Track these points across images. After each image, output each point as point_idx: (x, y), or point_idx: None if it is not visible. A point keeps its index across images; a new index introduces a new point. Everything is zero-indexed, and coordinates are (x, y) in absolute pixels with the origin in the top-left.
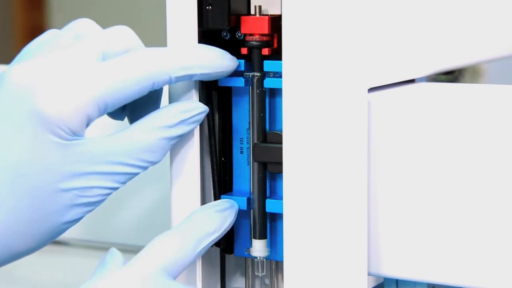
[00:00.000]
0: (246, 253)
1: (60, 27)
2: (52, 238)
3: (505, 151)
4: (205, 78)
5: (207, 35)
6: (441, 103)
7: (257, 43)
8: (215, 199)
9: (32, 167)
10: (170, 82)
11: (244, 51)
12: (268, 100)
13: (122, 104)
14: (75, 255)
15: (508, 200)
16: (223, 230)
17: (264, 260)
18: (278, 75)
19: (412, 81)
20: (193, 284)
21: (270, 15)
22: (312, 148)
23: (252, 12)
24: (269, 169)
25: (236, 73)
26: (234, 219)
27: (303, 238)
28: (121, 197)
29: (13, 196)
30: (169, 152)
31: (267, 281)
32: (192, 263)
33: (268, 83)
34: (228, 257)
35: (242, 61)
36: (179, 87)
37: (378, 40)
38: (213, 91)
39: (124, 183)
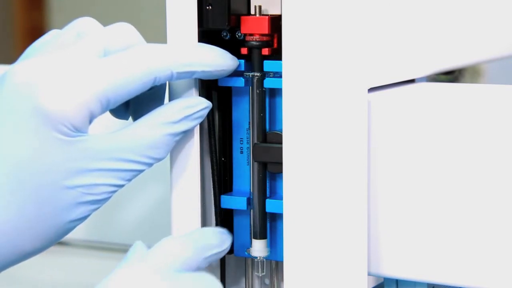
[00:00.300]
0: (246, 253)
1: (60, 27)
2: (59, 238)
3: (505, 151)
4: (205, 77)
5: (207, 35)
6: (441, 103)
7: (257, 43)
8: (215, 199)
9: (36, 165)
10: (171, 78)
11: (244, 51)
12: (268, 100)
13: (124, 100)
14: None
15: (508, 200)
16: (224, 248)
17: (264, 260)
18: (278, 75)
19: (412, 81)
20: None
21: (270, 15)
22: (312, 148)
23: (252, 12)
24: (269, 169)
25: (236, 73)
26: (229, 247)
27: (303, 238)
28: (122, 197)
29: (18, 195)
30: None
31: (267, 281)
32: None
33: (268, 83)
34: (228, 257)
35: (242, 61)
36: (179, 87)
37: (378, 40)
38: (213, 91)
39: (129, 180)
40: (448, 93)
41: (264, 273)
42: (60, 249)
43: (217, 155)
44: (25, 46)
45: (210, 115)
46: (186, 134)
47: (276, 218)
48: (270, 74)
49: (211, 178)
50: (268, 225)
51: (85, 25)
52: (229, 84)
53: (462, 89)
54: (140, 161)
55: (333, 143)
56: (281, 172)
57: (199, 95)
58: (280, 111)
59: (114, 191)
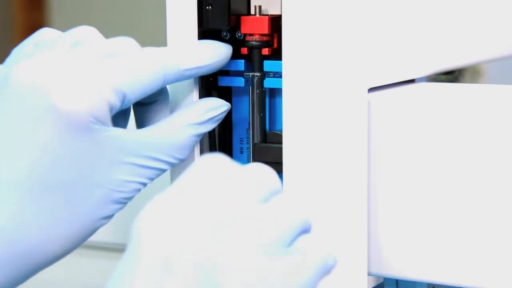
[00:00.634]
0: None
1: (60, 27)
2: (87, 237)
3: (505, 151)
4: (208, 71)
5: (207, 35)
6: (441, 103)
7: (257, 43)
8: None
9: (61, 163)
10: (179, 75)
11: (244, 51)
12: (268, 100)
13: (138, 98)
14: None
15: (508, 200)
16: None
17: None
18: (278, 75)
19: (412, 81)
20: None
21: (270, 15)
22: (312, 148)
23: (252, 12)
24: None
25: (236, 73)
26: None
27: None
28: None
29: (48, 196)
30: None
31: None
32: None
33: (268, 83)
34: None
35: (242, 61)
36: (179, 87)
37: (378, 40)
38: (213, 91)
39: (152, 179)
40: (448, 93)
41: None
42: None
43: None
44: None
45: None
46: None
47: None
48: (270, 74)
49: None
50: None
51: (84, 33)
52: (229, 84)
53: (462, 89)
54: (166, 161)
55: (333, 143)
56: (281, 172)
57: (199, 95)
58: (280, 111)
59: (139, 190)
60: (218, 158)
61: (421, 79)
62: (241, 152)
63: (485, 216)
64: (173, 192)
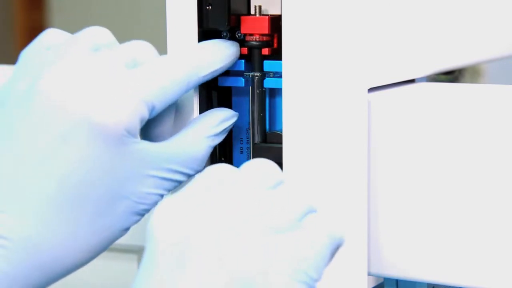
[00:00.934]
0: None
1: (60, 27)
2: (106, 248)
3: (505, 151)
4: (222, 71)
5: (207, 35)
6: (441, 103)
7: (257, 43)
8: None
9: (93, 176)
10: (198, 81)
11: (244, 51)
12: (268, 100)
13: (164, 107)
14: None
15: (508, 200)
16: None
17: None
18: (278, 75)
19: (412, 81)
20: None
21: (270, 15)
22: (312, 148)
23: (252, 12)
24: None
25: (236, 73)
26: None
27: None
28: None
29: (76, 208)
30: None
31: None
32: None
33: (268, 83)
34: None
35: (242, 61)
36: None
37: (378, 40)
38: (213, 91)
39: (169, 191)
40: (448, 93)
41: None
42: None
43: (217, 155)
44: (25, 46)
45: None
46: None
47: None
48: (270, 74)
49: None
50: None
51: (100, 37)
52: (229, 84)
53: (462, 89)
54: (185, 173)
55: (333, 143)
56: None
57: (199, 96)
58: (280, 111)
59: (157, 202)
60: (225, 167)
61: (421, 79)
62: (241, 152)
63: (485, 216)
64: (185, 194)
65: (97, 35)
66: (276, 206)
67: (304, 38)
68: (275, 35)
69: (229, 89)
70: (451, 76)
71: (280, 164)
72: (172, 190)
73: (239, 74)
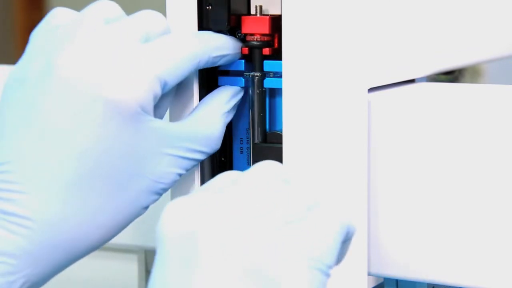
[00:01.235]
0: None
1: None
2: (125, 227)
3: (505, 151)
4: (228, 61)
5: None
6: (441, 103)
7: (258, 43)
8: None
9: (109, 153)
10: (208, 62)
11: (244, 51)
12: (268, 100)
13: (175, 83)
14: None
15: (508, 200)
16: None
17: None
18: (278, 75)
19: (412, 81)
20: None
21: (271, 15)
22: (312, 148)
23: (253, 12)
24: None
25: (236, 73)
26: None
27: None
28: None
29: (95, 187)
30: None
31: None
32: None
33: (268, 83)
34: None
35: (242, 61)
36: (179, 87)
37: (378, 40)
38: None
39: (187, 170)
40: (448, 93)
41: None
42: None
43: (217, 155)
44: (25, 46)
45: None
46: None
47: None
48: (270, 74)
49: (211, 178)
50: None
51: (108, 11)
52: (229, 84)
53: (462, 89)
54: (203, 151)
55: (333, 143)
56: None
57: (199, 96)
58: (280, 111)
59: (175, 181)
60: (235, 172)
61: (421, 79)
62: (241, 152)
63: (485, 216)
64: (196, 194)
65: (105, 9)
66: (285, 199)
67: (304, 38)
68: (276, 35)
69: None
70: (451, 76)
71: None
72: (190, 169)
73: (239, 74)
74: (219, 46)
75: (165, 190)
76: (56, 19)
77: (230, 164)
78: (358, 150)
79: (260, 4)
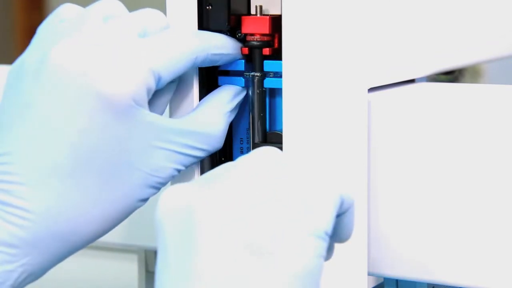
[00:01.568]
0: None
1: None
2: (123, 219)
3: (505, 151)
4: (228, 61)
5: None
6: (441, 103)
7: (258, 43)
8: None
9: (102, 145)
10: (206, 59)
11: (244, 51)
12: (268, 100)
13: (171, 79)
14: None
15: (508, 200)
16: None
17: None
18: (278, 75)
19: (412, 81)
20: None
21: (271, 15)
22: (312, 148)
23: (253, 12)
24: None
25: (236, 73)
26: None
27: None
28: None
29: (89, 178)
30: None
31: None
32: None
33: (268, 83)
34: None
35: (242, 61)
36: (180, 88)
37: (378, 40)
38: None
39: (187, 167)
40: (448, 93)
41: None
42: None
43: (217, 155)
44: (25, 46)
45: None
46: None
47: None
48: (270, 74)
49: None
50: None
51: (111, 8)
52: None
53: (462, 89)
54: (203, 149)
55: (333, 143)
56: None
57: (199, 95)
58: (280, 111)
59: (173, 176)
60: (233, 162)
61: (421, 79)
62: (241, 152)
63: (485, 216)
64: (193, 181)
65: (109, 6)
66: (284, 184)
67: (304, 38)
68: (276, 35)
69: None
70: (451, 76)
71: None
72: (189, 165)
73: (239, 74)
74: (218, 45)
75: (162, 184)
76: (62, 14)
77: None
78: (358, 150)
79: (260, 4)
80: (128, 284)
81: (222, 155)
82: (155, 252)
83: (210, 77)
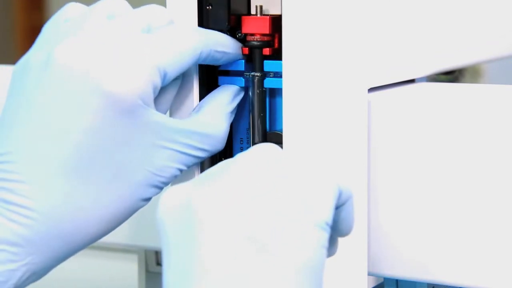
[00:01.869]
0: None
1: None
2: (127, 218)
3: (505, 151)
4: (230, 60)
5: None
6: (441, 103)
7: (258, 43)
8: None
9: (107, 144)
10: (210, 56)
11: (244, 51)
12: (268, 100)
13: (176, 75)
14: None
15: (508, 200)
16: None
17: None
18: (278, 75)
19: (412, 81)
20: None
21: (271, 15)
22: (312, 148)
23: (253, 12)
24: None
25: (236, 73)
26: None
27: None
28: None
29: (94, 177)
30: None
31: None
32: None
33: (268, 83)
34: None
35: (242, 61)
36: (180, 87)
37: (378, 40)
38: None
39: (189, 167)
40: (448, 93)
41: None
42: None
43: (217, 155)
44: (25, 46)
45: None
46: None
47: None
48: (270, 74)
49: None
50: None
51: (115, 6)
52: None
53: (462, 89)
54: (205, 149)
55: (333, 143)
56: None
57: (199, 95)
58: (280, 111)
59: (176, 176)
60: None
61: (421, 79)
62: None
63: (485, 216)
64: (192, 180)
65: (113, 5)
66: (281, 172)
67: (304, 38)
68: (276, 35)
69: None
70: (451, 76)
71: None
72: (191, 165)
73: (239, 74)
74: (221, 42)
75: (165, 184)
76: (67, 14)
77: None
78: (358, 150)
79: (260, 4)
80: (128, 284)
81: (223, 155)
82: (155, 252)
83: (210, 77)
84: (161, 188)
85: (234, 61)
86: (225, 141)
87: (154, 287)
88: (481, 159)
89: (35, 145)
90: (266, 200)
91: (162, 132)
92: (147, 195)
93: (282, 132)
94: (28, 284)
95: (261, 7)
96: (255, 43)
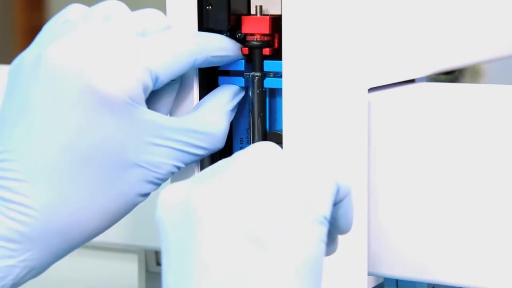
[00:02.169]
0: None
1: None
2: (125, 214)
3: (505, 151)
4: (228, 62)
5: None
6: (441, 103)
7: (258, 43)
8: None
9: (97, 141)
10: (206, 61)
11: (244, 51)
12: (268, 100)
13: (168, 80)
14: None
15: (508, 200)
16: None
17: None
18: (278, 75)
19: (412, 81)
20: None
21: (271, 15)
22: (312, 148)
23: (253, 12)
24: None
25: (236, 73)
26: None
27: None
28: None
29: (88, 174)
30: None
31: None
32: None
33: (268, 83)
34: None
35: (242, 61)
36: (180, 87)
37: (378, 40)
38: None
39: (187, 164)
40: (448, 93)
41: None
42: None
43: (217, 155)
44: (25, 46)
45: None
46: None
47: None
48: (270, 74)
49: None
50: None
51: (113, 8)
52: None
53: (462, 89)
54: (204, 147)
55: (333, 143)
56: None
57: (199, 95)
58: (280, 111)
59: (173, 173)
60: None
61: (421, 79)
62: None
63: (485, 216)
64: (186, 180)
65: (111, 7)
66: (279, 170)
67: (304, 38)
68: (276, 35)
69: None
70: (451, 76)
71: None
72: (190, 163)
73: (239, 74)
74: (218, 47)
75: (161, 180)
76: (68, 15)
77: None
78: (358, 150)
79: (260, 4)
80: (128, 284)
81: (222, 155)
82: (155, 252)
83: (210, 77)
84: (158, 184)
85: (233, 61)
86: (225, 140)
87: (154, 287)
88: (481, 159)
89: (31, 143)
90: (265, 199)
91: (154, 130)
92: (144, 191)
93: (282, 132)
94: (27, 280)
95: (261, 7)
96: (255, 43)
